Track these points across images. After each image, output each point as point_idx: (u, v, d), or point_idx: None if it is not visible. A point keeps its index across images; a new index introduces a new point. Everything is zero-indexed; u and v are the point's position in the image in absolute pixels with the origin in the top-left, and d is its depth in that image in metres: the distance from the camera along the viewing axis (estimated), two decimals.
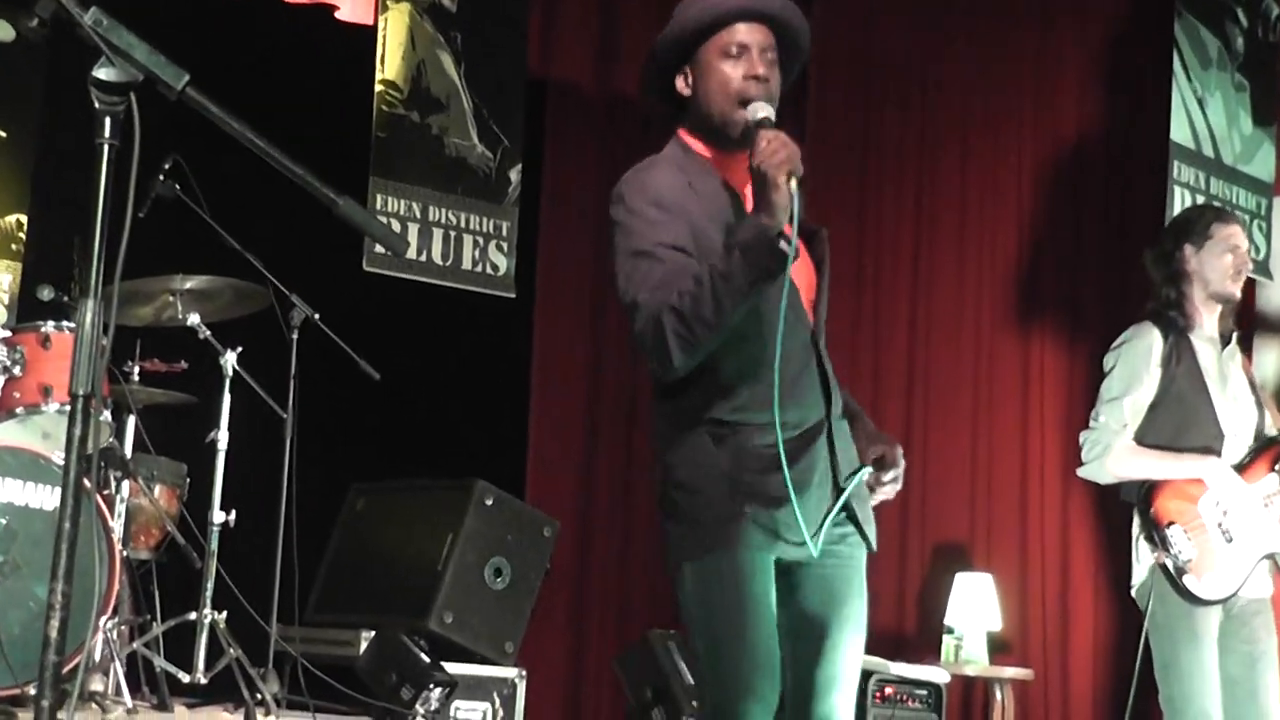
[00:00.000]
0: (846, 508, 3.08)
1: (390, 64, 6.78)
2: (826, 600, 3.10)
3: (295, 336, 5.53)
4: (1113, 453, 4.67)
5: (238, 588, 5.20)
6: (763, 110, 2.95)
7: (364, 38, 6.64)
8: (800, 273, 3.03)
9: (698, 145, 3.11)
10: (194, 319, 5.28)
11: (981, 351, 7.00)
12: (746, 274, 2.80)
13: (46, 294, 5.38)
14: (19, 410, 4.79)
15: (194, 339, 5.33)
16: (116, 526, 4.95)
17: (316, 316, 5.57)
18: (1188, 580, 4.48)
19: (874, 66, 7.55)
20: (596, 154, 7.69)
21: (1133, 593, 4.68)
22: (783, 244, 2.80)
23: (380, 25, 6.66)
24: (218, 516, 5.16)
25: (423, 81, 6.85)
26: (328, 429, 5.87)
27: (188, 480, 5.62)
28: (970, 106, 7.18)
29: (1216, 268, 4.75)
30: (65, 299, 5.39)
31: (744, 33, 3.03)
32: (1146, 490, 4.61)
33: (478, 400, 7.36)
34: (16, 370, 4.77)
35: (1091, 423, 4.74)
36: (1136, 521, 4.66)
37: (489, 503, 5.95)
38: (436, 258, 6.91)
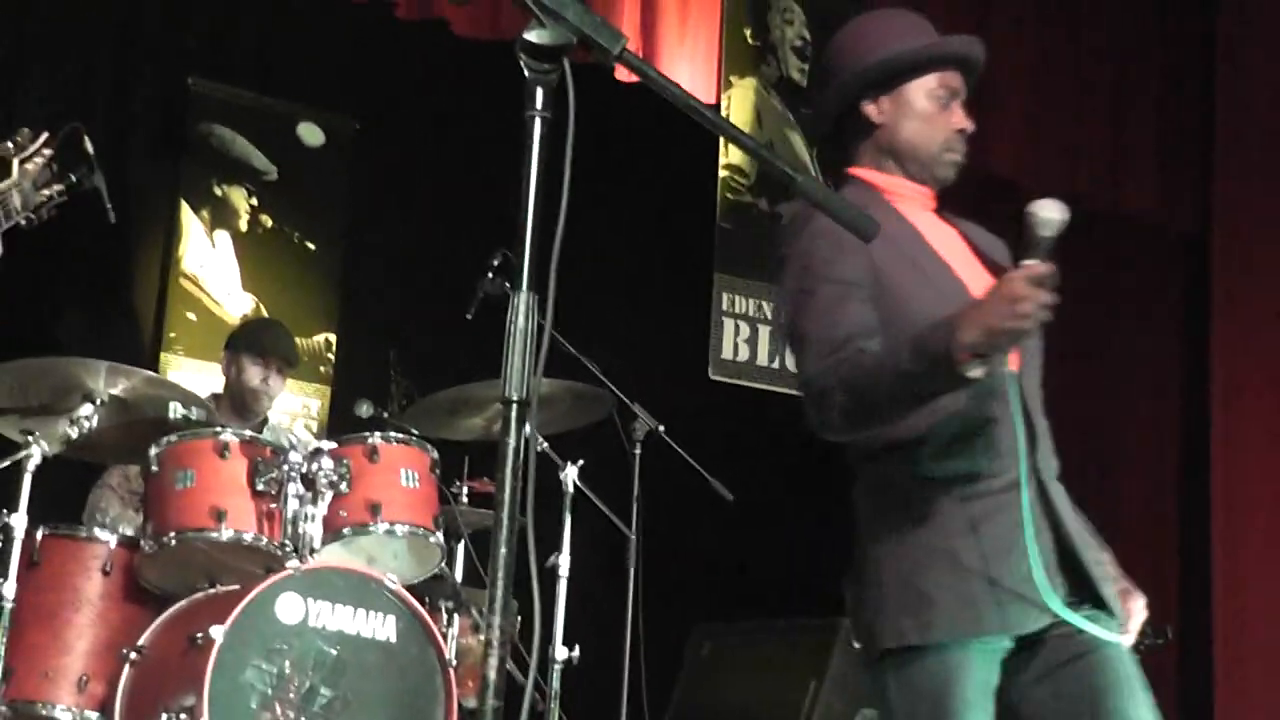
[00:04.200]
0: (1085, 586, 3.07)
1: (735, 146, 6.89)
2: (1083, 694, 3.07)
3: (638, 451, 5.67)
4: None
5: None
6: (1050, 222, 2.87)
7: None
8: None
9: (877, 178, 3.25)
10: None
11: None
12: (927, 384, 2.89)
13: (365, 410, 5.62)
14: (345, 531, 4.82)
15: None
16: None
17: (662, 429, 5.68)
18: None
19: None
20: None
21: None
22: (972, 369, 2.82)
23: (723, 103, 6.79)
24: (560, 653, 5.18)
25: None
26: (676, 554, 6.00)
27: (519, 617, 5.68)
28: None
29: None
30: (385, 415, 5.58)
31: (954, 80, 3.24)
32: None
33: (837, 527, 7.26)
34: (343, 486, 4.79)
35: None
36: None
37: (857, 645, 5.85)
38: (791, 364, 6.86)
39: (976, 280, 3.12)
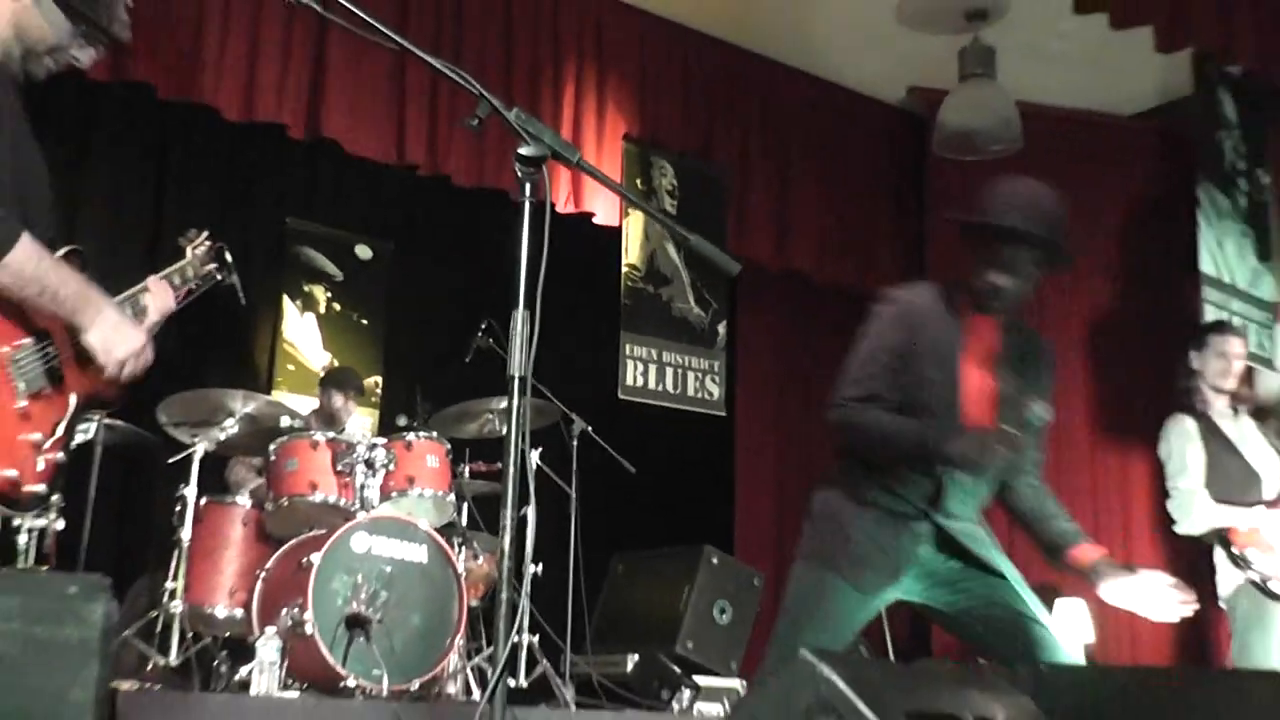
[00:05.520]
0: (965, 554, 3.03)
1: (632, 251, 6.87)
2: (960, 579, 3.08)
3: (575, 443, 5.67)
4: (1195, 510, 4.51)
5: (545, 621, 5.28)
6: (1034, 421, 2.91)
7: (613, 234, 6.77)
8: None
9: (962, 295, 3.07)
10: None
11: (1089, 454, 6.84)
12: (915, 464, 2.94)
13: (402, 421, 5.54)
14: (394, 494, 4.80)
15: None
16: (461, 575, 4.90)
17: (590, 428, 5.71)
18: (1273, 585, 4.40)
19: None
20: (776, 314, 7.65)
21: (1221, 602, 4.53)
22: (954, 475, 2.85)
23: (624, 225, 6.77)
24: (530, 568, 5.10)
25: (655, 263, 6.92)
26: (600, 506, 5.88)
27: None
28: None
29: (1213, 368, 4.66)
30: (415, 424, 5.50)
31: (1017, 255, 2.92)
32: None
33: (700, 487, 7.30)
34: (391, 466, 4.79)
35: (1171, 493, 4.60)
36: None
37: (715, 562, 5.95)
38: (669, 389, 6.93)
39: (974, 387, 2.96)
